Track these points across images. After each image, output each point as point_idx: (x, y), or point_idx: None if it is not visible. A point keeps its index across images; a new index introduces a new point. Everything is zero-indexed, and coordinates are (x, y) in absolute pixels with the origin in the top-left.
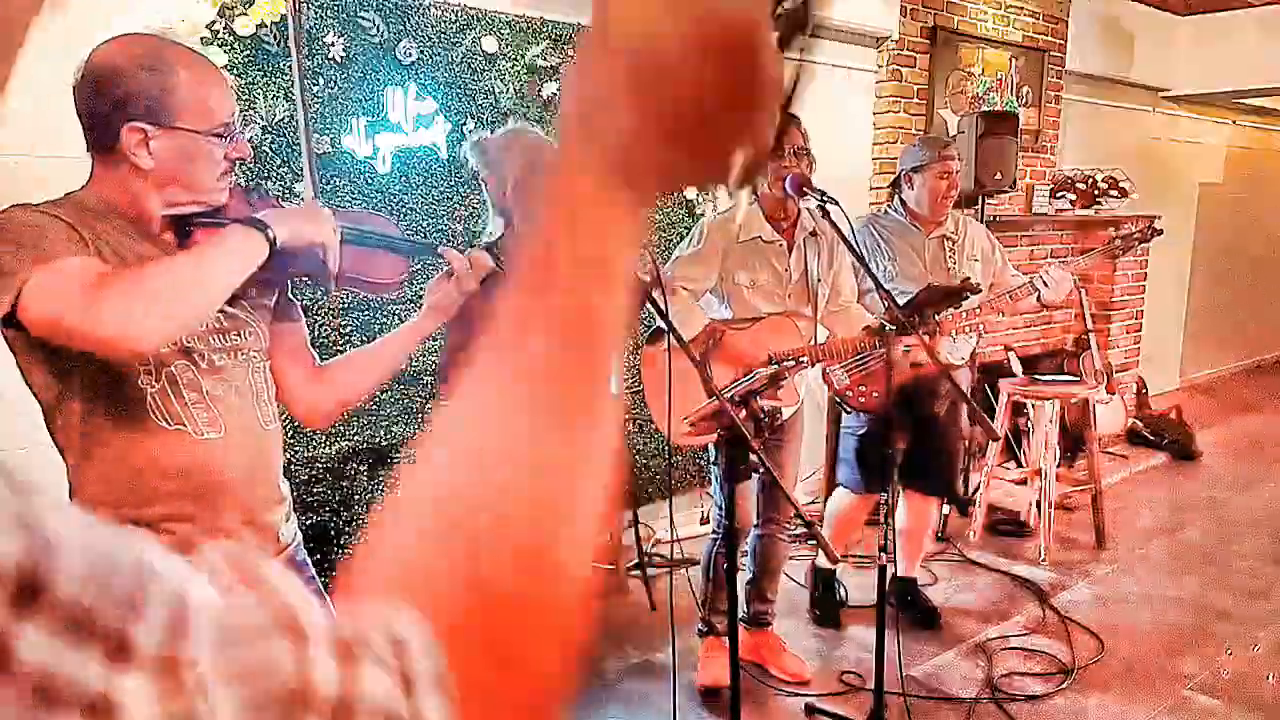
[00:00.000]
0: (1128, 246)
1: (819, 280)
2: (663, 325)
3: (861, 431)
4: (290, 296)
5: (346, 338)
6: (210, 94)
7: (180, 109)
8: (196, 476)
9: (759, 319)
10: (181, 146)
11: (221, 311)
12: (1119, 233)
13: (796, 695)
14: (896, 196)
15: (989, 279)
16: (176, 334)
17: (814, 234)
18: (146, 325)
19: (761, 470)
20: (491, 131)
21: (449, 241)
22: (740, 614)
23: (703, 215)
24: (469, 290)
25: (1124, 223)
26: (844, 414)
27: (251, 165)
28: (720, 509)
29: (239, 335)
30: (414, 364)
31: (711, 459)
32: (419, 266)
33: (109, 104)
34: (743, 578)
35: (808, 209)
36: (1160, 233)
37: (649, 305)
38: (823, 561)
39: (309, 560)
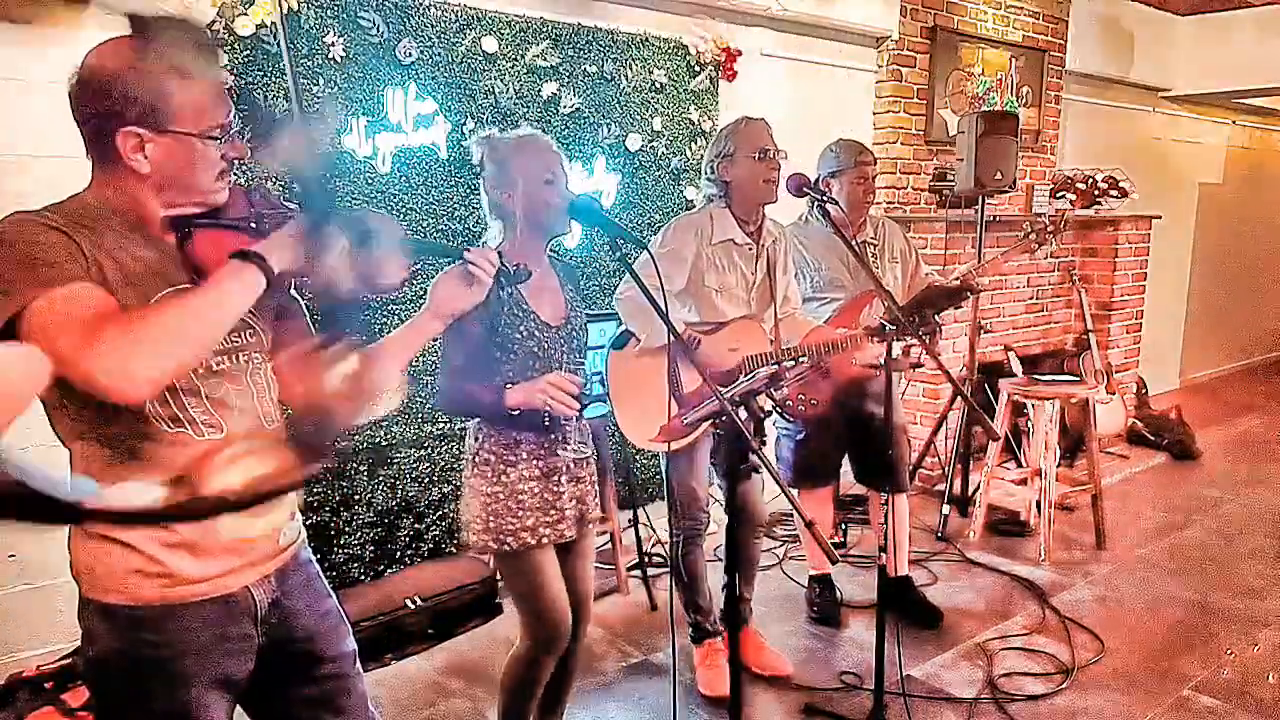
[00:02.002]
0: (1041, 241)
1: (775, 286)
2: (630, 328)
3: (800, 436)
4: (294, 294)
5: None
6: (205, 96)
7: (175, 112)
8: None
9: (724, 322)
10: (178, 150)
11: None
12: (1032, 227)
13: (795, 691)
14: (815, 204)
15: (907, 278)
16: (171, 379)
17: (775, 241)
18: (140, 375)
19: (762, 470)
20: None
21: (447, 242)
22: (716, 616)
23: None
24: (483, 293)
25: (1124, 223)
26: (781, 419)
27: (252, 165)
28: (677, 513)
29: (240, 336)
30: (414, 364)
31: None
32: (418, 266)
33: (104, 109)
34: (709, 581)
35: (772, 219)
36: (1060, 230)
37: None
38: (814, 570)
39: (313, 558)
